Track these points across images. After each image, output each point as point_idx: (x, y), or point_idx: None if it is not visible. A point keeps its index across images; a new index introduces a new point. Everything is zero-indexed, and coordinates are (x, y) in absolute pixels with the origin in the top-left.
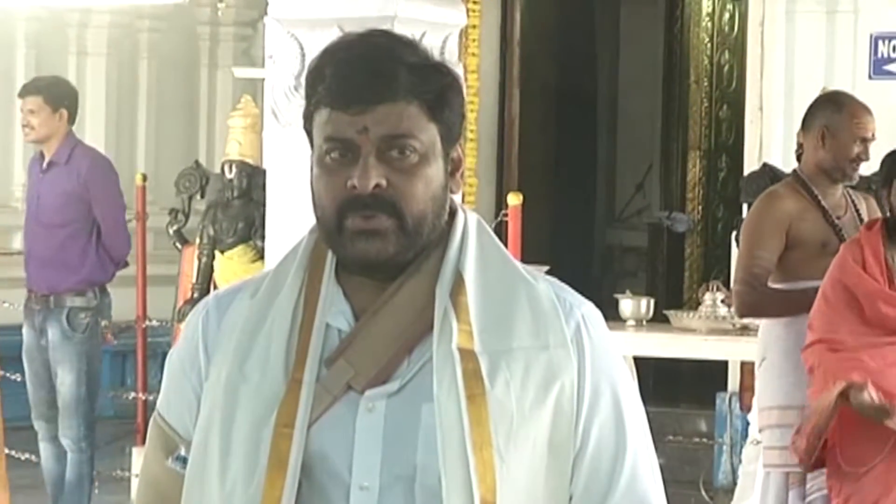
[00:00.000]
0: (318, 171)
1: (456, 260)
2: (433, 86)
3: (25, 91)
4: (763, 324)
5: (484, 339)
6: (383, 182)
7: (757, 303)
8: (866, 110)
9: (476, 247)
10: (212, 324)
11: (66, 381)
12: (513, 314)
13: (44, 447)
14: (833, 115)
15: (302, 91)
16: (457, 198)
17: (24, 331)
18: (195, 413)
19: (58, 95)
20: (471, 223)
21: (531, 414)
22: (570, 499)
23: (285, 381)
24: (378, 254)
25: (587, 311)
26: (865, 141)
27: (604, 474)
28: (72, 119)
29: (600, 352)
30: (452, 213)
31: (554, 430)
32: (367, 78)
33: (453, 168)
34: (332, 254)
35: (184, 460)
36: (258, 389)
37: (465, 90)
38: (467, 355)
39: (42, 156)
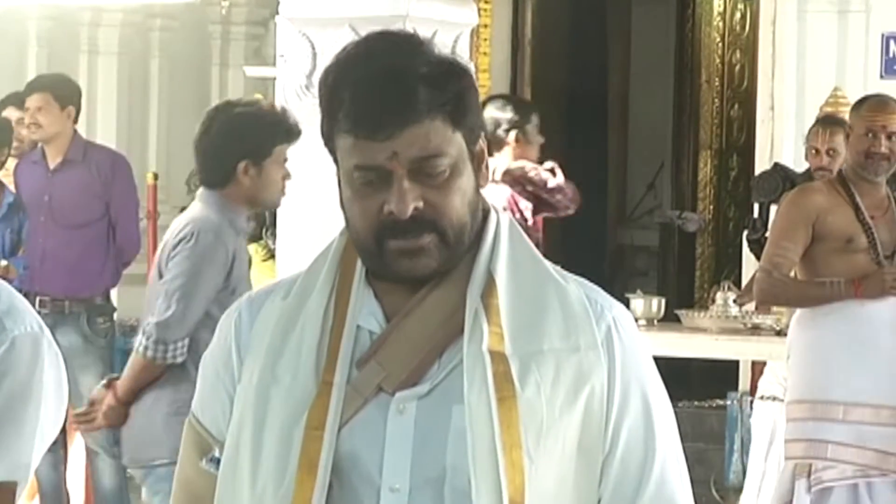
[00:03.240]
0: (349, 195)
1: (487, 262)
2: (451, 94)
3: (31, 89)
4: (791, 324)
5: (514, 341)
6: (420, 204)
7: (772, 289)
8: (885, 106)
9: (508, 248)
10: (244, 325)
11: (90, 387)
12: (544, 316)
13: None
14: (852, 112)
15: (313, 90)
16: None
17: None
18: (228, 414)
19: (65, 93)
20: (503, 224)
21: (561, 416)
22: (599, 501)
23: (316, 383)
24: (424, 269)
25: (618, 313)
26: (875, 133)
27: (633, 477)
28: (76, 117)
29: (631, 354)
30: (485, 214)
31: (584, 433)
32: (388, 102)
33: (478, 162)
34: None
35: (217, 461)
36: (289, 391)
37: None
38: (498, 357)
39: (44, 155)
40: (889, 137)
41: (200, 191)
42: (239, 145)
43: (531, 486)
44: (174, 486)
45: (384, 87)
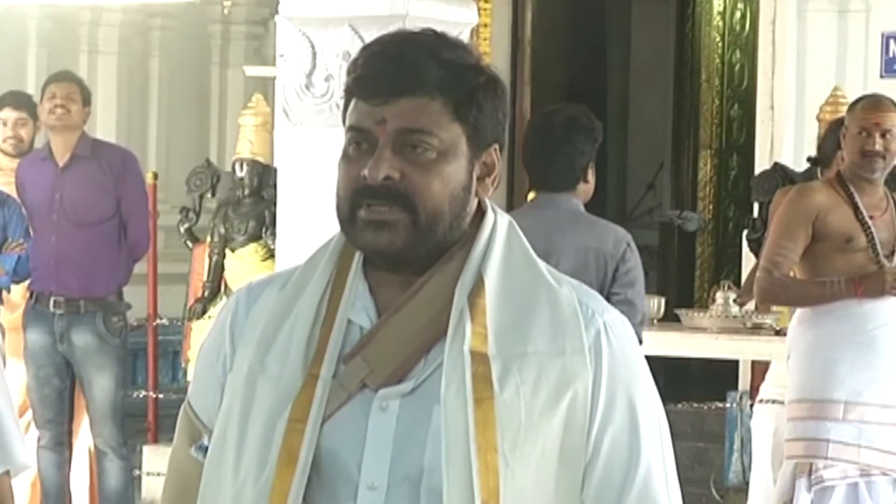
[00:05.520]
0: (340, 161)
1: (479, 261)
2: (462, 84)
3: (63, 77)
4: (791, 323)
5: (499, 342)
6: (395, 175)
7: (772, 289)
8: (879, 104)
9: (502, 249)
10: (240, 314)
11: (104, 387)
12: (531, 318)
13: (45, 456)
14: (848, 112)
15: (313, 90)
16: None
17: (32, 335)
18: (219, 403)
19: (87, 94)
20: (500, 225)
21: (541, 420)
22: None
23: (303, 376)
24: (387, 245)
25: (610, 318)
26: (869, 132)
27: (615, 485)
28: (86, 122)
29: (620, 361)
30: (483, 214)
31: (565, 438)
32: (392, 70)
33: (484, 173)
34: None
35: (205, 449)
36: (276, 382)
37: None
38: (479, 358)
39: (51, 153)
40: (883, 135)
41: (557, 195)
42: (593, 148)
43: (507, 489)
44: (167, 471)
45: (396, 57)
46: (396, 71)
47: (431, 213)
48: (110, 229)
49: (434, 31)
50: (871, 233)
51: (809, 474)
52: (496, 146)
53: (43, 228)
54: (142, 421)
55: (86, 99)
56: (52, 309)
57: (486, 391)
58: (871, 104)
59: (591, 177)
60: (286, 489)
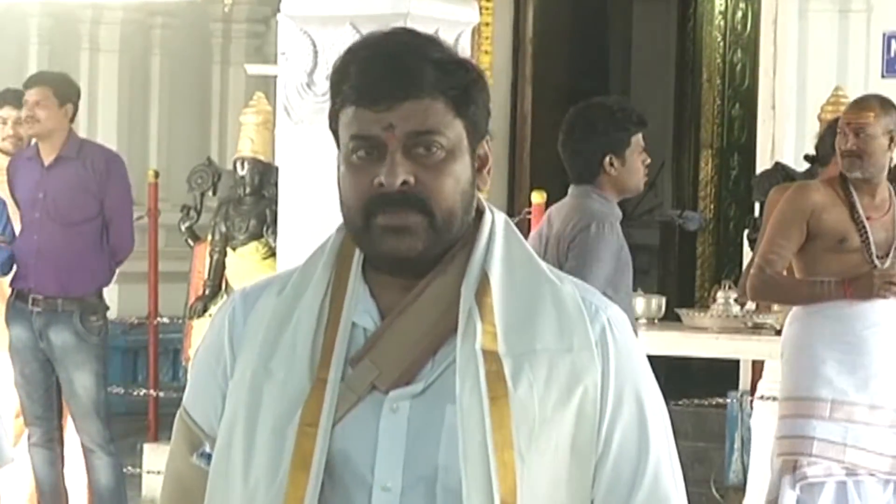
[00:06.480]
0: (344, 170)
1: (482, 260)
2: (458, 82)
3: (32, 82)
4: (785, 322)
5: (508, 340)
6: (411, 179)
7: (763, 287)
8: (857, 104)
9: (503, 247)
10: (238, 320)
11: (86, 385)
12: (537, 316)
13: (37, 452)
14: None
15: (314, 88)
16: (482, 197)
17: (14, 331)
18: (220, 410)
19: (65, 90)
20: (498, 223)
21: (553, 416)
22: (592, 502)
23: (310, 380)
24: (408, 250)
25: (613, 314)
26: (845, 132)
27: (626, 479)
28: (74, 116)
29: (625, 356)
30: (480, 213)
31: (577, 434)
32: (392, 75)
33: (480, 164)
34: (360, 251)
35: (208, 457)
36: (283, 387)
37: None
38: (491, 357)
39: (37, 152)
40: (857, 135)
41: (573, 187)
42: (602, 140)
43: (523, 486)
44: (164, 479)
45: (392, 61)
46: (397, 75)
47: (447, 213)
48: (92, 230)
49: (411, 31)
50: (866, 234)
51: (794, 471)
52: (487, 137)
53: (27, 226)
54: (143, 419)
55: (64, 98)
56: (30, 307)
57: (500, 389)
58: (852, 104)
59: (614, 166)
60: (301, 494)
